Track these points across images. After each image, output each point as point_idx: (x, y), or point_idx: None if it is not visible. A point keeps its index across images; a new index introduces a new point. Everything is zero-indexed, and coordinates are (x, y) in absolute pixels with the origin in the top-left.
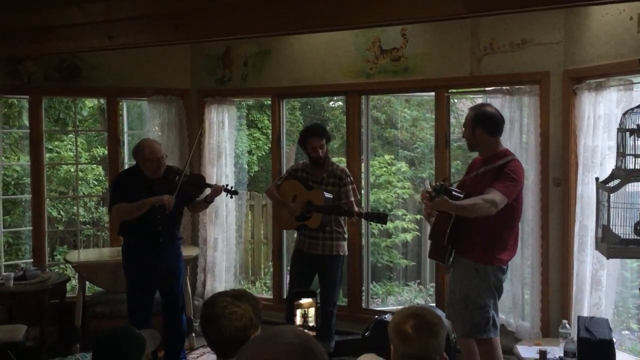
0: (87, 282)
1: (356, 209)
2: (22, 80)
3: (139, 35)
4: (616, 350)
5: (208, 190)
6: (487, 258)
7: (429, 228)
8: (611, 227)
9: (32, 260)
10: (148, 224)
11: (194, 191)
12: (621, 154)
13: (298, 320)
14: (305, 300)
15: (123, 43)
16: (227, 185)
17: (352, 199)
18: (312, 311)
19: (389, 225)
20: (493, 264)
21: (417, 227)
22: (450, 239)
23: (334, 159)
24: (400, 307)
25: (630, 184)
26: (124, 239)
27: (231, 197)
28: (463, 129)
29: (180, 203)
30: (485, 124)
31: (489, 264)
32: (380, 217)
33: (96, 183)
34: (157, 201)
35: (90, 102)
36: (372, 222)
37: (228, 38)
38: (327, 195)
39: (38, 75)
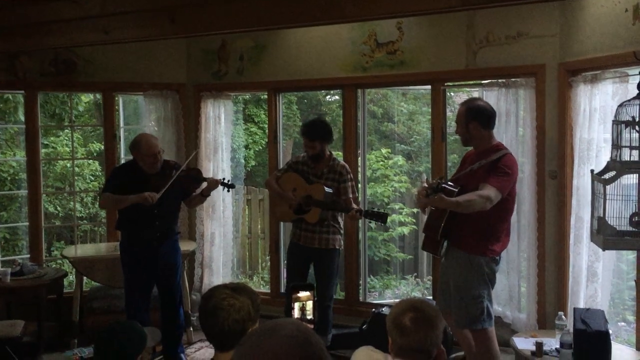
0: (85, 277)
1: (355, 206)
2: (18, 76)
3: (135, 30)
4: (612, 342)
5: (205, 184)
6: (480, 249)
7: (425, 220)
8: (607, 219)
9: (29, 255)
10: (145, 219)
11: (190, 185)
12: (616, 146)
13: (296, 313)
14: (303, 294)
15: (119, 37)
16: (223, 178)
17: (351, 196)
18: (309, 304)
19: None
20: (486, 255)
21: (414, 220)
22: (443, 233)
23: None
24: (397, 300)
25: (625, 176)
26: (122, 234)
27: (228, 191)
28: (456, 125)
29: (177, 197)
30: (478, 117)
31: (482, 255)
32: (381, 215)
33: (93, 178)
34: (139, 199)
35: (86, 97)
36: (372, 221)
37: (224, 32)
38: (328, 190)
39: (33, 71)
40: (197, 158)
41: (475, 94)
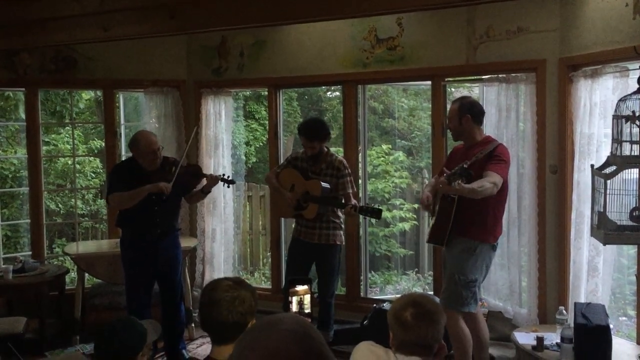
0: (86, 274)
1: (352, 201)
2: (18, 73)
3: (134, 26)
4: (613, 336)
5: (205, 181)
6: (485, 236)
7: (426, 215)
8: (607, 213)
9: (30, 252)
10: (146, 216)
11: (190, 181)
12: (617, 140)
13: (294, 307)
14: (300, 288)
15: (118, 34)
16: (223, 174)
17: (349, 191)
18: (307, 298)
19: (387, 214)
20: (489, 242)
21: (415, 216)
22: (453, 221)
23: (332, 149)
24: (398, 295)
25: (625, 171)
26: (122, 231)
27: (228, 187)
28: (447, 121)
29: (178, 194)
30: (471, 111)
31: (487, 241)
32: (375, 211)
33: (94, 175)
34: (154, 188)
35: (87, 95)
36: (366, 217)
37: (224, 28)
38: (325, 185)
39: (34, 68)
40: (198, 155)
41: (476, 90)
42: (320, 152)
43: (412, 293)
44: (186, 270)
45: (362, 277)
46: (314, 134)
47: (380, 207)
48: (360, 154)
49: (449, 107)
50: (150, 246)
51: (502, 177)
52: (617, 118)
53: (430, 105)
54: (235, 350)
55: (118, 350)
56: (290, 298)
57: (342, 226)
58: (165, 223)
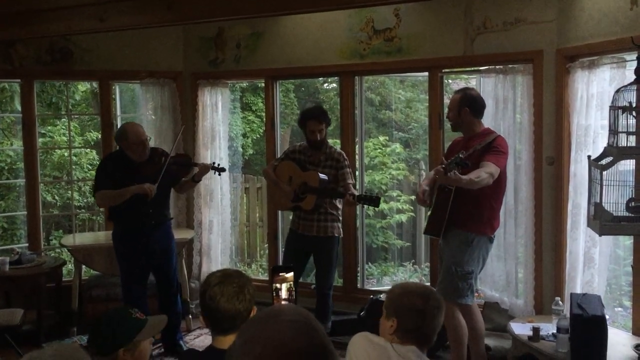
0: (83, 266)
1: (351, 191)
2: (14, 64)
3: (131, 17)
4: (608, 327)
5: (196, 169)
6: (483, 228)
7: (423, 208)
8: (604, 204)
9: (27, 244)
10: (138, 207)
11: (181, 171)
12: (613, 132)
13: (284, 294)
14: (289, 274)
15: (114, 25)
16: (214, 163)
17: (349, 181)
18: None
19: (384, 206)
20: (487, 234)
21: (412, 207)
22: (449, 212)
23: (329, 141)
24: None
25: (622, 162)
26: (115, 224)
27: (219, 175)
28: (448, 110)
29: (167, 184)
30: (472, 104)
31: (484, 234)
32: (373, 199)
33: (90, 167)
34: (139, 190)
35: (83, 86)
36: (364, 205)
37: (221, 19)
38: (322, 176)
39: (29, 59)
40: (194, 146)
41: (473, 81)
42: (324, 140)
43: (417, 283)
44: (183, 262)
45: (359, 269)
46: (324, 115)
47: (378, 195)
48: (357, 146)
49: (446, 98)
50: (143, 238)
51: (499, 168)
52: (614, 109)
53: (427, 97)
54: (237, 342)
55: (108, 341)
56: (279, 285)
57: (340, 218)
58: (157, 213)
